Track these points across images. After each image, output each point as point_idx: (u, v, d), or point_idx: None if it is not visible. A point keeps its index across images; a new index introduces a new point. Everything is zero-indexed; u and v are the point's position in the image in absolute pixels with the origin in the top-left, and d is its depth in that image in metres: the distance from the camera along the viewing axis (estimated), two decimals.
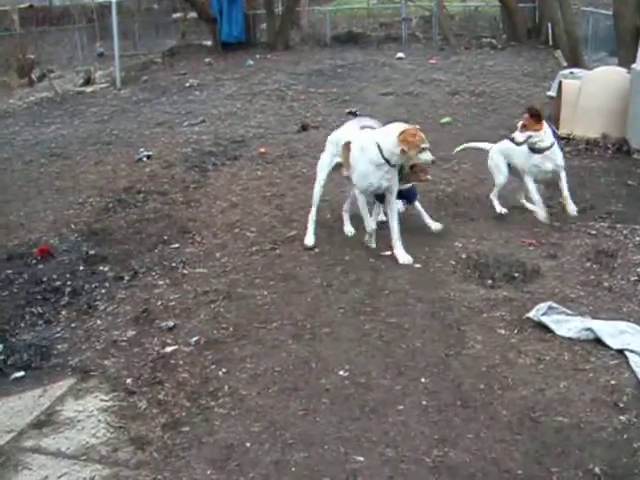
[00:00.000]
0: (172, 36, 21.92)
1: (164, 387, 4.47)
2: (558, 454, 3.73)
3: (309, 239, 6.42)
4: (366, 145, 5.91)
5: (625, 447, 3.78)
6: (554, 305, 5.04)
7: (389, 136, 5.79)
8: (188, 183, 8.34)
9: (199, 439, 3.98)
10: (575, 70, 11.33)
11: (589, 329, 4.78)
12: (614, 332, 4.75)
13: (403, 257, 5.99)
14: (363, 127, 6.33)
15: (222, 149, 9.70)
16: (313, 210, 6.52)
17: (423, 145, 5.76)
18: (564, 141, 9.45)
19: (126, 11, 19.20)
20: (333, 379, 4.42)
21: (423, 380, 4.26)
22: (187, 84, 15.20)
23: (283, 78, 15.16)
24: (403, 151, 5.72)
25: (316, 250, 6.31)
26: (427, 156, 5.86)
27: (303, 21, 23.12)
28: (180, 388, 4.45)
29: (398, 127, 5.85)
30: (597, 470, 3.61)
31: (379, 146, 5.81)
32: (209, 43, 20.86)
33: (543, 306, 4.97)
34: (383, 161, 5.83)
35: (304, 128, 10.52)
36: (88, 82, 15.75)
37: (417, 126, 6.01)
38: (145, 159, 9.38)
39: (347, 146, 6.16)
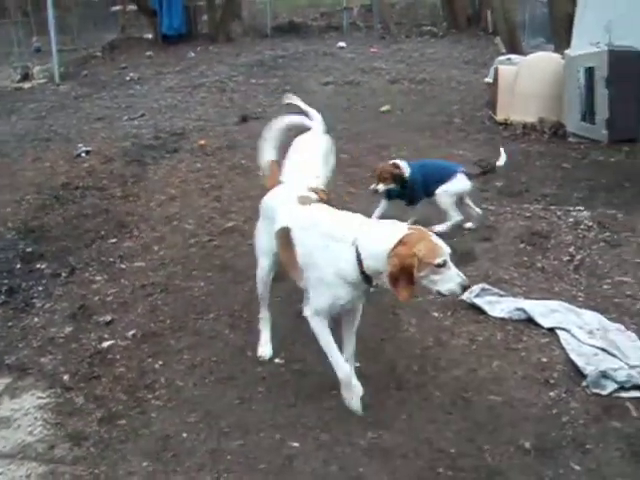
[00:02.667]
0: (112, 29, 21.58)
1: (101, 382, 4.44)
2: (490, 431, 3.82)
3: (264, 349, 4.62)
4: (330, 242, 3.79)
5: (554, 422, 3.88)
6: (486, 287, 5.13)
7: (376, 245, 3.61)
8: (127, 177, 8.26)
9: (136, 432, 3.97)
10: (512, 56, 11.49)
11: (521, 309, 4.89)
12: (545, 311, 4.86)
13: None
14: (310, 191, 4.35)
15: (161, 142, 9.63)
16: (263, 311, 4.73)
17: (438, 260, 3.50)
18: (501, 126, 9.62)
19: (63, 4, 18.81)
20: (269, 367, 4.45)
21: (358, 365, 4.30)
22: (127, 78, 15.03)
23: (224, 70, 15.09)
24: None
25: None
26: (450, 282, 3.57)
27: (244, 12, 22.99)
28: (117, 382, 4.43)
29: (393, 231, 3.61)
30: (527, 445, 3.71)
31: (357, 250, 3.66)
32: (150, 36, 20.64)
33: (475, 288, 5.05)
34: (360, 278, 3.72)
35: (244, 119, 10.50)
36: (26, 78, 15.42)
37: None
38: (84, 155, 9.25)
39: (285, 235, 4.09)
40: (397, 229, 3.60)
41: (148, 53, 18.27)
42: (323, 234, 3.80)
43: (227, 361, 4.55)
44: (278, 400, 4.14)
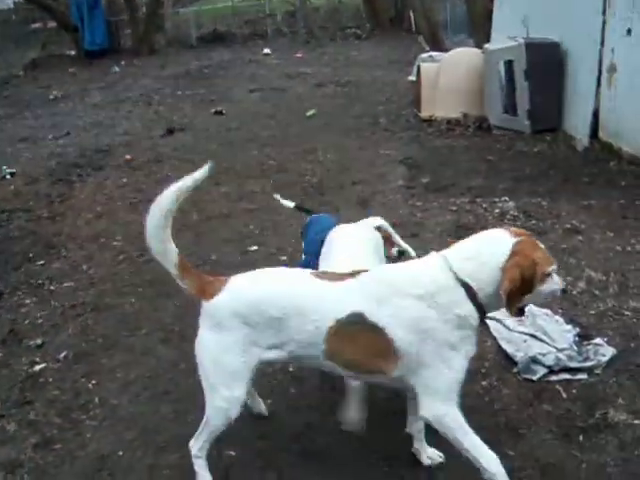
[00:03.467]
0: (33, 47, 21.25)
1: (34, 406, 4.35)
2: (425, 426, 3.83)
3: None
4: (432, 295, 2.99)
5: (487, 410, 3.93)
6: None
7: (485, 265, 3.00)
8: (53, 197, 8.13)
9: (71, 454, 3.90)
10: (434, 53, 11.65)
11: None
12: None
13: None
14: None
15: (87, 160, 9.50)
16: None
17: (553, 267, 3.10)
18: (426, 123, 9.73)
19: None
20: None
21: (290, 369, 4.30)
22: (51, 96, 14.81)
23: (149, 83, 14.98)
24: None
25: (184, 252, 6.22)
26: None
27: (167, 24, 22.83)
28: (51, 405, 4.34)
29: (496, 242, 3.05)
30: None
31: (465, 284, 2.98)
32: (72, 52, 20.36)
33: None
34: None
35: (170, 131, 10.43)
36: None
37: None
38: (8, 176, 9.09)
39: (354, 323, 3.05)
40: (496, 238, 3.04)
41: (71, 70, 18.04)
42: (417, 292, 2.95)
43: (161, 376, 4.50)
44: None
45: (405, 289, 2.97)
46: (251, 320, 3.08)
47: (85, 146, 10.24)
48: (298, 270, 3.44)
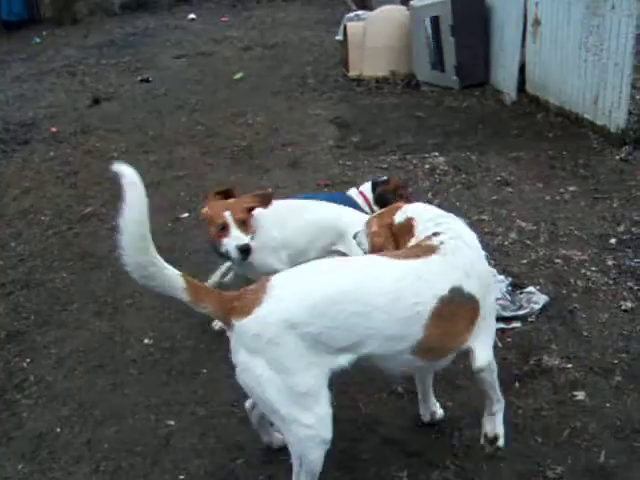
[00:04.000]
0: None
1: None
2: (362, 382, 3.88)
3: None
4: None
5: None
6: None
7: None
8: None
9: (7, 435, 3.84)
10: (360, 12, 11.58)
11: None
12: None
13: None
14: None
15: (11, 135, 9.22)
16: None
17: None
18: (355, 83, 9.71)
19: None
20: (138, 349, 4.39)
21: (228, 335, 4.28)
22: None
23: (73, 53, 14.57)
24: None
25: (114, 223, 6.15)
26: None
27: None
28: None
29: None
30: (400, 389, 3.84)
31: None
32: None
33: None
34: None
35: (96, 101, 10.18)
36: None
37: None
38: None
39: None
40: None
41: None
42: (482, 252, 3.11)
43: (95, 349, 4.45)
44: (150, 381, 4.09)
45: (480, 254, 3.02)
46: (313, 326, 2.60)
47: (8, 120, 9.92)
48: (347, 258, 3.20)
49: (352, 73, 10.03)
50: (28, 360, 4.46)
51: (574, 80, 7.46)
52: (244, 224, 3.91)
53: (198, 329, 4.47)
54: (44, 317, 4.91)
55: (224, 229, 3.89)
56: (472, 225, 5.33)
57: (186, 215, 6.15)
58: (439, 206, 5.60)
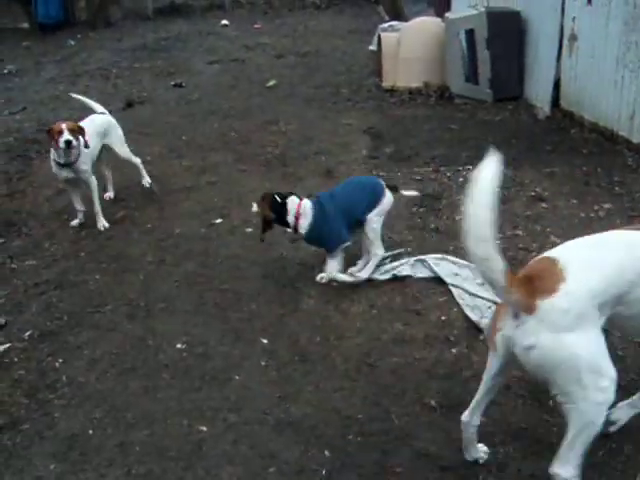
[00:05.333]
0: None
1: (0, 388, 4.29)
2: (396, 394, 3.87)
3: None
4: None
5: (458, 378, 3.96)
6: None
7: None
8: (11, 174, 7.96)
9: (40, 434, 3.85)
10: (394, 23, 11.60)
11: (421, 260, 5.02)
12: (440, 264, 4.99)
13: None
14: None
15: (45, 135, 9.28)
16: None
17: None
18: (388, 93, 9.69)
19: None
20: (171, 353, 4.39)
21: (261, 341, 4.29)
22: (5, 71, 14.45)
23: (106, 56, 14.70)
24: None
25: (147, 226, 6.21)
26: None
27: None
28: (17, 386, 4.28)
29: None
30: (433, 403, 3.78)
31: None
32: (25, 25, 19.89)
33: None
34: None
35: (129, 105, 10.26)
36: None
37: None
38: None
39: None
40: None
41: (25, 43, 17.61)
42: None
43: (128, 352, 4.46)
44: (183, 386, 4.08)
45: None
46: (606, 295, 2.77)
47: (43, 121, 10.01)
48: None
49: (385, 83, 10.03)
50: (60, 360, 4.48)
51: (610, 96, 7.41)
52: None
53: (231, 335, 4.48)
54: (77, 318, 4.93)
55: None
56: (506, 240, 5.37)
57: (220, 221, 6.15)
58: None
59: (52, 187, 7.39)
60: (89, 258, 5.78)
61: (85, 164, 6.20)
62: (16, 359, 4.55)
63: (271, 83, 10.88)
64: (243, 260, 5.42)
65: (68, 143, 5.92)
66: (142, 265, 5.53)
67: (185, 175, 7.27)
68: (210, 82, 11.10)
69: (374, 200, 4.93)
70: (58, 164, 6.17)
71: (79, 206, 6.41)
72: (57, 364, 4.45)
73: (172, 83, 11.45)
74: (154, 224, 6.25)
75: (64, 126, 5.99)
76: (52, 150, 6.17)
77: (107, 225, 6.35)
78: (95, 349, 4.54)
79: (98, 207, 6.36)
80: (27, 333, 4.81)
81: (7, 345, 4.71)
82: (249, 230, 5.91)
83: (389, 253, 5.19)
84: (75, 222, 6.42)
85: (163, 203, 6.67)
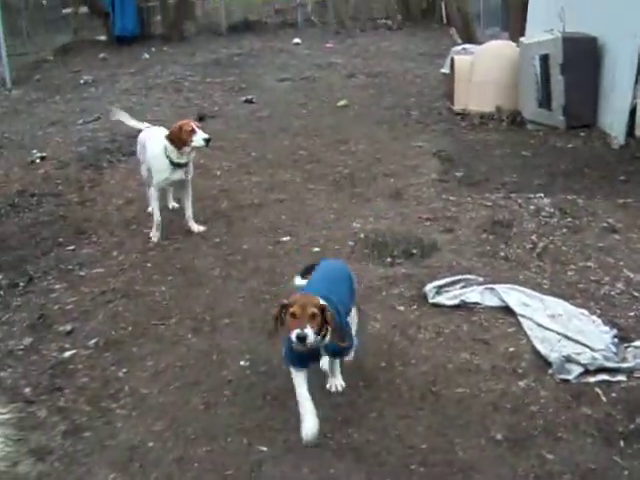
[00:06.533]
0: (64, 32, 21.14)
1: (64, 393, 4.33)
2: (460, 425, 3.78)
3: None
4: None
5: (525, 411, 3.86)
6: (439, 283, 5.09)
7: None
8: (83, 182, 8.10)
9: (101, 443, 3.88)
10: (467, 46, 11.51)
11: (490, 288, 4.92)
12: (510, 293, 4.90)
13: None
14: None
15: (118, 145, 9.45)
16: None
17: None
18: (459, 117, 9.61)
19: (12, 7, 18.46)
20: (234, 370, 4.38)
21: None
22: (82, 81, 14.77)
23: (179, 70, 14.91)
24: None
25: (215, 240, 6.24)
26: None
27: (198, 12, 22.78)
28: (80, 393, 4.33)
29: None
30: (499, 436, 3.68)
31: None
32: (103, 38, 20.33)
33: (430, 288, 5.03)
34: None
35: (201, 119, 10.33)
36: None
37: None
38: (38, 160, 9.07)
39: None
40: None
41: (102, 55, 17.99)
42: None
43: (191, 366, 4.47)
44: (245, 403, 4.06)
45: None
46: None
47: (116, 131, 10.16)
48: None
49: (457, 107, 9.95)
50: (124, 370, 4.51)
51: None
52: None
53: None
54: (142, 329, 4.97)
55: None
56: (578, 271, 5.24)
57: (287, 239, 6.15)
58: (545, 249, 5.57)
59: (122, 196, 7.51)
60: (156, 269, 5.83)
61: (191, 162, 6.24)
62: (80, 366, 4.60)
63: (342, 103, 10.88)
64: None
65: (207, 141, 5.96)
66: (209, 279, 5.55)
67: (254, 191, 7.30)
68: (281, 99, 11.16)
69: (353, 289, 4.24)
70: (175, 165, 6.11)
71: (159, 218, 6.37)
72: (121, 374, 4.48)
73: (243, 99, 11.54)
74: (222, 238, 6.27)
75: (194, 124, 6.00)
76: (164, 151, 6.09)
77: (202, 228, 6.42)
78: (159, 361, 4.56)
79: (191, 211, 6.42)
80: (92, 341, 4.87)
81: (72, 352, 4.77)
82: (316, 250, 5.90)
83: (459, 277, 5.12)
84: (157, 237, 6.39)
85: (231, 218, 6.69)
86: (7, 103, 13.36)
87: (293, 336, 3.46)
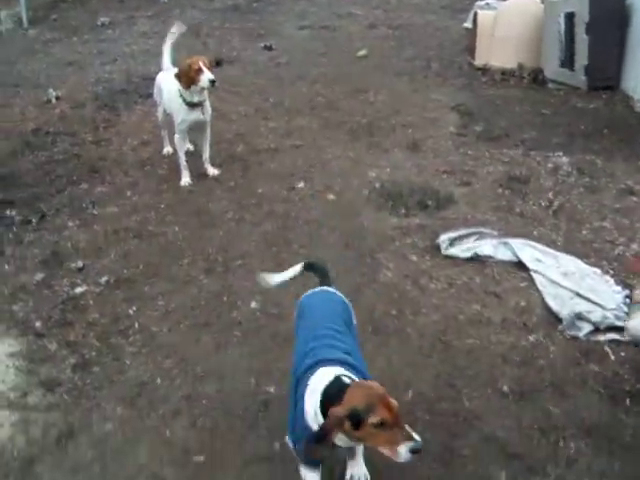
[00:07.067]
0: None
1: (74, 328, 4.37)
2: (468, 375, 3.80)
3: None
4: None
5: (533, 365, 3.88)
6: (452, 235, 5.07)
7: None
8: (98, 123, 8.04)
9: (110, 378, 3.92)
10: (491, 1, 11.29)
11: (504, 242, 4.92)
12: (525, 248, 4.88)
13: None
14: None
15: (134, 87, 9.36)
16: None
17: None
18: (480, 72, 9.49)
19: None
20: (245, 311, 4.39)
21: None
22: (99, 23, 14.60)
23: (198, 14, 14.71)
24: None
25: (230, 184, 6.21)
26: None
27: None
28: (90, 328, 4.36)
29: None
30: (505, 388, 3.70)
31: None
32: None
33: (444, 239, 5.01)
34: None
35: (218, 63, 10.20)
36: None
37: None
38: (54, 100, 9.02)
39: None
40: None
41: None
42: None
43: (202, 306, 4.49)
44: (254, 344, 4.09)
45: None
46: None
47: (132, 73, 10.09)
48: None
49: (478, 62, 9.79)
50: (134, 308, 4.54)
51: None
52: None
53: None
54: (153, 268, 4.98)
55: None
56: (593, 231, 5.20)
57: (302, 185, 6.11)
58: (561, 207, 5.52)
59: (137, 137, 7.47)
60: (170, 210, 5.82)
61: (208, 102, 6.14)
62: (91, 302, 4.64)
63: (361, 53, 10.72)
64: (323, 226, 5.38)
65: (213, 82, 5.79)
66: (222, 221, 5.54)
67: (270, 137, 7.24)
68: (300, 47, 11.02)
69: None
70: (190, 105, 6.00)
71: (185, 162, 6.32)
72: (131, 311, 4.51)
73: (262, 45, 11.40)
74: (237, 182, 6.24)
75: (202, 63, 5.81)
76: (178, 91, 6.00)
77: (217, 172, 6.39)
78: (170, 301, 4.58)
79: (208, 154, 6.40)
80: (104, 278, 4.89)
81: (84, 288, 4.80)
82: (331, 197, 5.87)
83: (472, 230, 5.09)
84: (187, 181, 6.32)
85: (247, 162, 6.65)
86: (24, 42, 13.24)
87: (404, 452, 2.37)
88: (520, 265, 4.77)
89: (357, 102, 8.05)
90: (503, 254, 4.86)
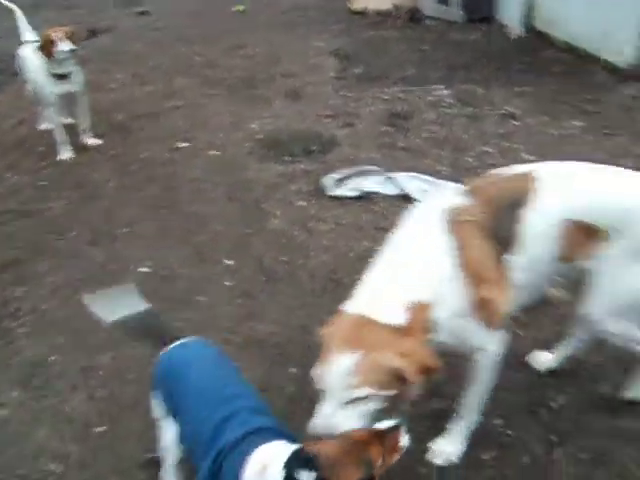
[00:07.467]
0: None
1: None
2: None
3: None
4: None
5: None
6: (336, 176, 5.08)
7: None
8: None
9: (4, 362, 3.79)
10: None
11: (390, 178, 4.94)
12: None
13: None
14: None
15: (4, 66, 8.99)
16: None
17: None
18: (357, 15, 9.50)
19: None
20: (135, 276, 4.30)
21: (226, 262, 4.23)
22: None
23: None
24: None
25: (111, 153, 6.07)
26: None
27: None
28: None
29: None
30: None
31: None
32: None
33: (328, 181, 5.02)
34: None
35: (93, 33, 9.97)
36: None
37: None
38: None
39: None
40: None
41: None
42: None
43: (91, 278, 4.37)
44: None
45: None
46: None
47: (1, 51, 9.70)
48: None
49: (355, 6, 9.82)
50: (24, 289, 4.39)
51: (583, 15, 7.25)
52: None
53: (196, 257, 4.44)
54: (40, 246, 4.83)
55: None
56: (476, 157, 5.29)
57: (184, 145, 6.03)
58: (445, 138, 5.59)
59: (13, 117, 7.20)
60: (52, 186, 5.65)
61: (80, 73, 5.94)
62: None
63: (239, 8, 10.60)
64: (207, 182, 5.32)
65: (72, 51, 5.63)
66: (106, 191, 5.42)
67: (150, 101, 7.10)
68: (176, 9, 10.82)
69: None
70: (56, 76, 5.79)
71: (63, 136, 6.12)
72: (20, 293, 4.36)
73: (137, 11, 11.13)
74: (118, 150, 6.11)
75: (57, 34, 5.62)
76: (43, 64, 5.78)
77: (98, 142, 6.22)
78: (58, 276, 4.45)
79: (86, 125, 6.21)
80: None
81: None
82: (214, 152, 5.80)
83: (356, 169, 5.10)
84: (68, 154, 6.12)
85: (127, 129, 6.51)
86: None
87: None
88: (407, 198, 4.81)
89: (236, 57, 7.98)
90: (389, 189, 4.90)
